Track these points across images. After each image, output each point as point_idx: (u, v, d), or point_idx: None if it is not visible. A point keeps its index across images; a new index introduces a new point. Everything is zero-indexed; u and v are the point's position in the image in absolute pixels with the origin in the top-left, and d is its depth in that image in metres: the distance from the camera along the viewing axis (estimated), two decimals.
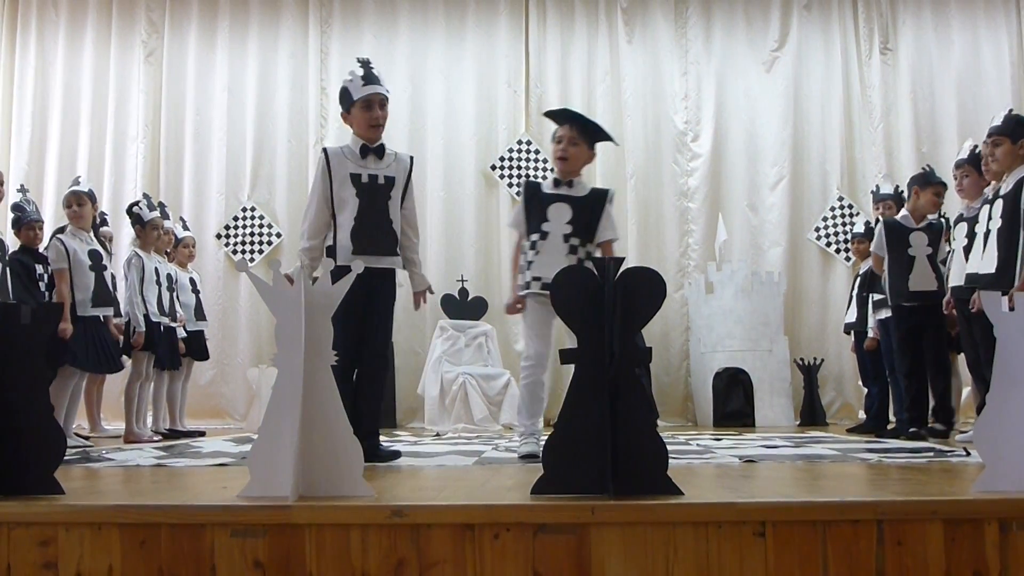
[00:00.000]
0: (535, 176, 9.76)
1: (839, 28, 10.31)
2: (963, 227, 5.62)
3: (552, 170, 9.55)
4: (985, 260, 5.18)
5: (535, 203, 4.48)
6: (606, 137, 4.60)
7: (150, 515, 2.37)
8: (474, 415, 8.24)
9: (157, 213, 7.20)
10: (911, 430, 6.05)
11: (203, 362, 8.32)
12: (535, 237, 4.41)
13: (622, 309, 2.53)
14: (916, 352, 6.17)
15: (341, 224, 4.35)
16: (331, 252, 4.36)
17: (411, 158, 4.62)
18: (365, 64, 4.48)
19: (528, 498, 2.46)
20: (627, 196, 9.87)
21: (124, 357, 6.79)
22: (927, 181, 6.28)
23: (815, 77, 10.24)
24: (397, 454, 4.40)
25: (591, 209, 4.45)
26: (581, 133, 4.47)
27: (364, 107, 4.41)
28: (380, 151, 4.46)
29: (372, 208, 4.36)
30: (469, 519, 2.30)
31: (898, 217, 6.40)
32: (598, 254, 4.46)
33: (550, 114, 4.82)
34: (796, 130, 10.10)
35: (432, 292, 4.77)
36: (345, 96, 4.47)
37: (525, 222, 4.50)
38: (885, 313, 6.52)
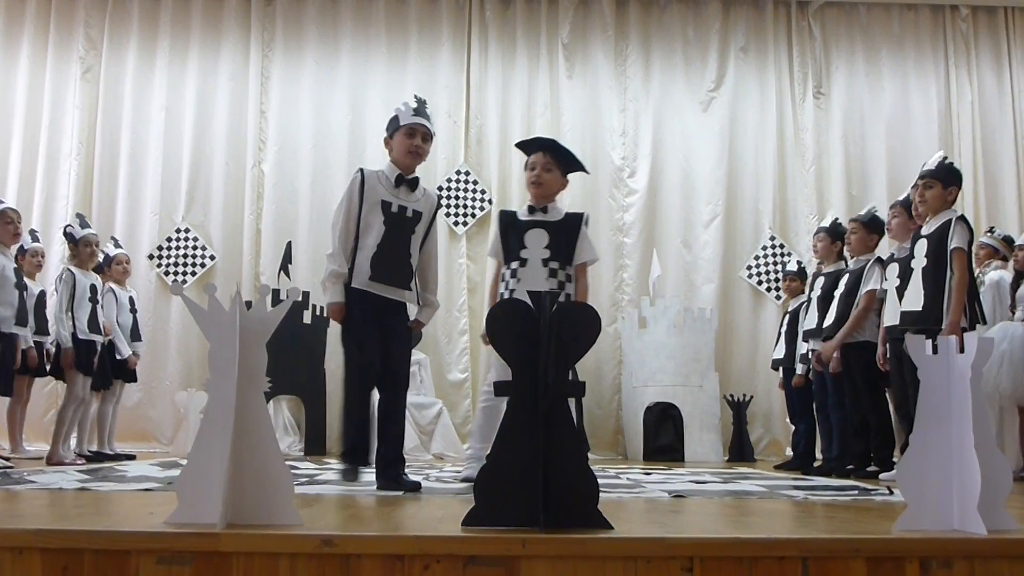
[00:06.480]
0: (473, 206, 9.79)
1: (774, 71, 10.53)
2: (894, 267, 5.72)
3: (489, 201, 9.74)
4: (913, 298, 5.32)
5: (512, 231, 4.62)
6: (579, 167, 4.72)
7: (73, 540, 2.32)
8: (405, 444, 8.16)
9: (91, 230, 7.07)
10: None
11: (131, 384, 8.11)
12: (515, 264, 4.54)
13: (557, 343, 2.55)
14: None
15: (362, 247, 4.32)
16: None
17: (438, 196, 4.66)
18: (420, 100, 4.58)
19: (459, 529, 2.45)
20: None
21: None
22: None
23: (750, 118, 10.44)
24: (418, 486, 4.26)
25: (567, 232, 4.58)
26: (554, 160, 4.63)
27: (408, 134, 4.48)
28: (414, 184, 4.48)
29: (396, 239, 4.34)
30: (399, 550, 2.29)
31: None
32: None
33: (521, 144, 4.92)
34: (730, 169, 10.27)
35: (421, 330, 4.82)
36: (393, 121, 4.53)
37: (503, 251, 4.64)
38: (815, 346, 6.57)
